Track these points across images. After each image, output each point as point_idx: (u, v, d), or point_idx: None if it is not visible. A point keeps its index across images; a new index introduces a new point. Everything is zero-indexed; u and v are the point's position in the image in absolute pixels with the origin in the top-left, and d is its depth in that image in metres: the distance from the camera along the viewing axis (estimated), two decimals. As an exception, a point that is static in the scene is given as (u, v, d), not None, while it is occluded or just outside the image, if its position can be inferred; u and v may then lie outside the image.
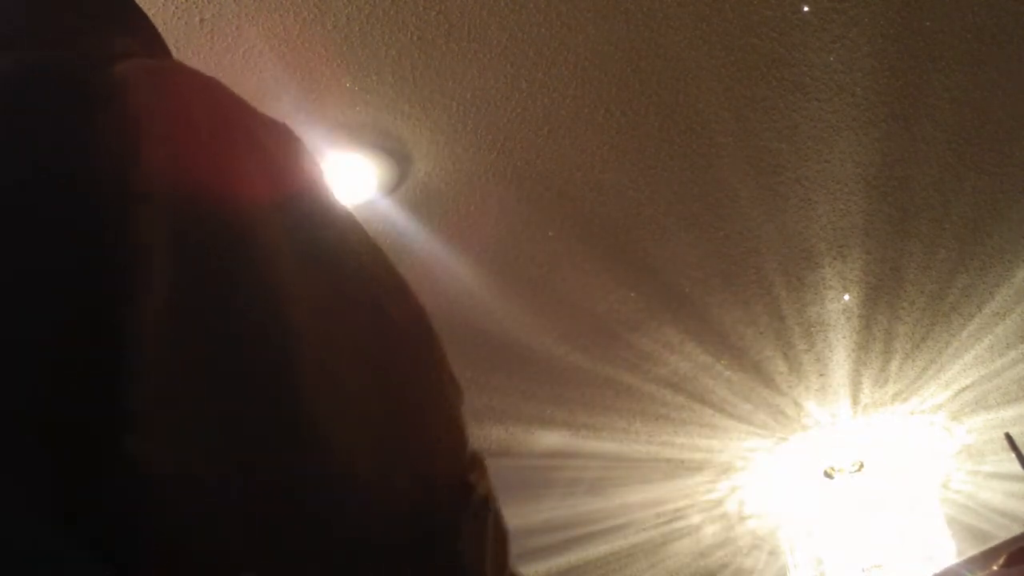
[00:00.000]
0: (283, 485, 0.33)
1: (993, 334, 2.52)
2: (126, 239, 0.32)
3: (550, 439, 2.62)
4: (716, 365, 2.44)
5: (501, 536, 0.42)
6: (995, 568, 2.49)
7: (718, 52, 1.53)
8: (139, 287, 0.32)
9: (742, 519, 3.30)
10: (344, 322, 0.38)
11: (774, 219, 1.96)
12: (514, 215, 1.81)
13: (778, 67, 1.59)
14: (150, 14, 0.54)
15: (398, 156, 1.62)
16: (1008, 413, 2.92)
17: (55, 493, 0.29)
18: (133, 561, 0.29)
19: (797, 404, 2.73)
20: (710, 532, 3.32)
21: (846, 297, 2.26)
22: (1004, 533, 3.51)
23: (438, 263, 1.88)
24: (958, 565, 2.89)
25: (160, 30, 0.54)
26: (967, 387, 2.76)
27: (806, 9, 1.48)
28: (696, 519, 3.23)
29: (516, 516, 2.69)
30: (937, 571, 2.81)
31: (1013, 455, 2.74)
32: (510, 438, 2.55)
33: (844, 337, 2.42)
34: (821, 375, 2.59)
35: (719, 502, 3.18)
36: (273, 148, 0.41)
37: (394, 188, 1.69)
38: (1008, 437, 2.82)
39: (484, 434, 2.47)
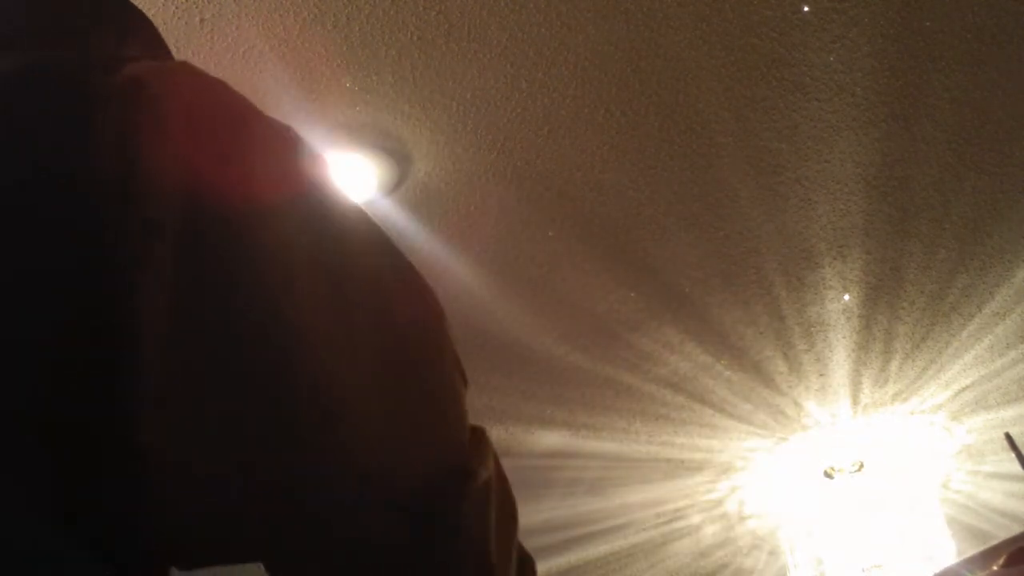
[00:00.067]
0: (283, 485, 0.33)
1: (993, 334, 2.52)
2: (126, 239, 0.32)
3: (550, 439, 2.62)
4: (716, 365, 2.44)
5: (508, 512, 0.42)
6: (995, 568, 2.49)
7: (718, 52, 1.53)
8: (139, 287, 0.32)
9: (742, 519, 3.30)
10: (346, 323, 0.38)
11: (774, 219, 1.96)
12: (514, 215, 1.81)
13: (778, 67, 1.59)
14: (150, 14, 0.54)
15: (398, 156, 1.62)
16: (1008, 413, 2.92)
17: (55, 493, 0.29)
18: (133, 561, 0.29)
19: (797, 404, 2.73)
20: (710, 532, 3.32)
21: (846, 297, 2.26)
22: (1004, 533, 3.51)
23: (438, 263, 1.88)
24: (958, 565, 2.89)
25: (160, 30, 0.54)
26: (967, 387, 2.76)
27: (806, 9, 1.48)
28: (696, 519, 3.23)
29: (516, 516, 2.67)
30: (937, 571, 2.81)
31: (1013, 455, 2.73)
32: (510, 438, 2.56)
33: (844, 337, 2.42)
34: (821, 375, 2.59)
35: (719, 502, 3.18)
36: (278, 149, 0.41)
37: (394, 188, 1.69)
38: (1008, 437, 2.82)
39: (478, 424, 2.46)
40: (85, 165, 0.34)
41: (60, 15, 0.46)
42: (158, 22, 0.61)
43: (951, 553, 2.95)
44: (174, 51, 0.58)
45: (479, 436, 0.43)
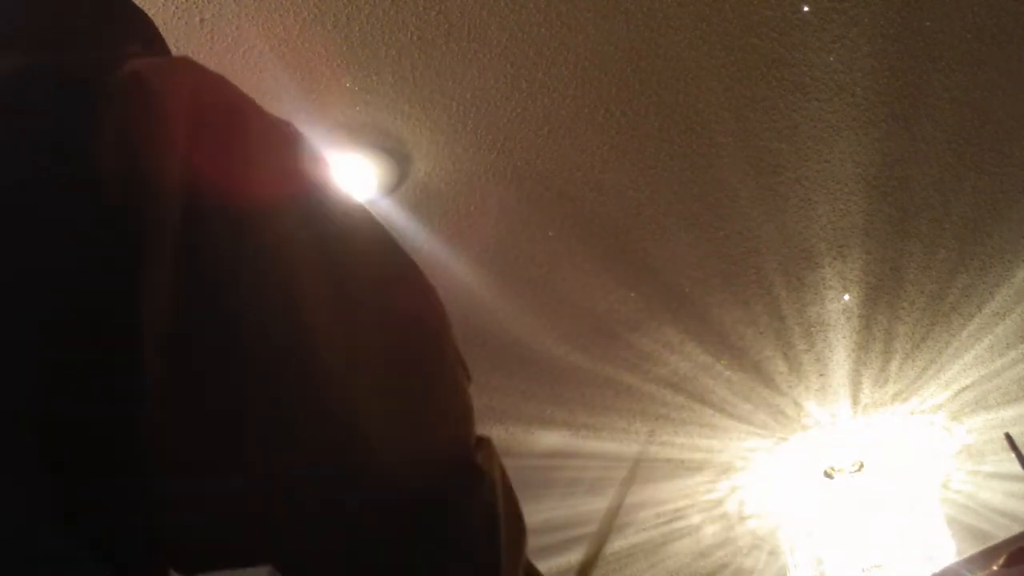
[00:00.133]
0: (283, 485, 0.33)
1: (993, 334, 2.52)
2: (126, 239, 0.32)
3: (550, 439, 2.62)
4: (716, 365, 2.44)
5: (516, 528, 0.42)
6: (995, 568, 2.49)
7: (718, 52, 1.53)
8: (139, 287, 0.32)
9: (742, 519, 3.30)
10: (347, 322, 0.38)
11: (774, 219, 1.96)
12: (514, 215, 1.81)
13: (778, 67, 1.59)
14: (150, 14, 0.54)
15: (398, 156, 1.62)
16: (1008, 413, 2.92)
17: (55, 493, 0.29)
18: (133, 561, 0.29)
19: (797, 404, 2.73)
20: (710, 532, 3.32)
21: (846, 297, 2.26)
22: (1004, 533, 3.51)
23: (438, 263, 1.88)
24: (958, 564, 2.89)
25: (160, 30, 0.54)
26: (967, 387, 2.76)
27: (806, 9, 1.48)
28: (696, 519, 3.23)
29: (516, 516, 2.67)
30: (937, 571, 2.81)
31: (1013, 455, 2.74)
32: (510, 438, 2.56)
33: (844, 337, 2.42)
34: (821, 375, 2.59)
35: (719, 502, 3.18)
36: (279, 147, 0.41)
37: (394, 188, 1.69)
38: (1008, 437, 2.82)
39: (484, 434, 2.46)
40: (85, 165, 0.34)
41: (60, 15, 0.46)
42: (158, 22, 0.61)
43: (951, 553, 2.95)
44: (174, 51, 0.58)
45: (486, 447, 0.43)
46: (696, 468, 2.96)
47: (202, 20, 1.31)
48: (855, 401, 2.77)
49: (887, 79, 1.65)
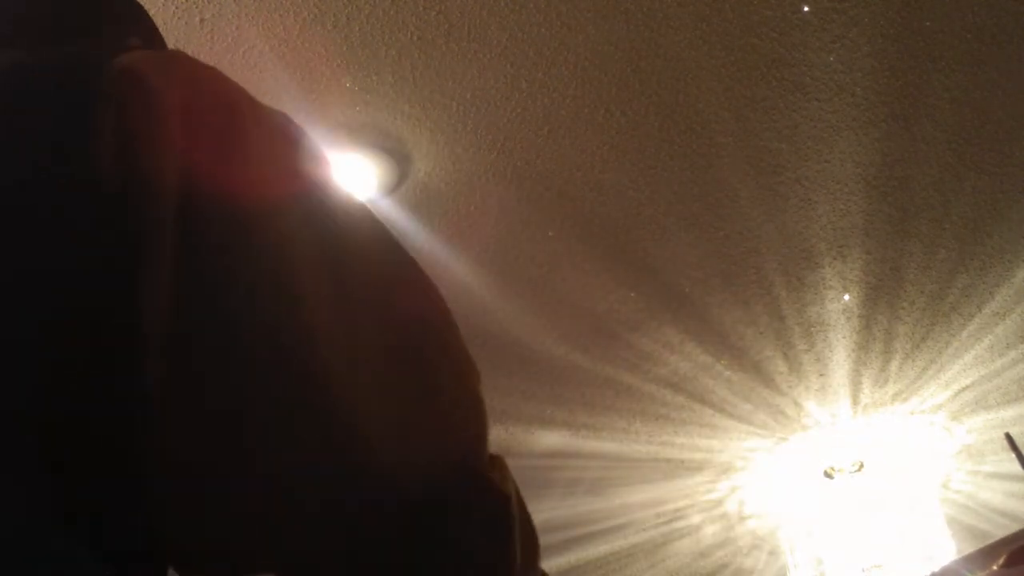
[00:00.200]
0: (283, 485, 0.33)
1: (993, 334, 2.52)
2: (126, 239, 0.32)
3: (550, 439, 2.62)
4: (716, 365, 2.44)
5: (531, 547, 0.42)
6: (995, 568, 2.49)
7: (718, 52, 1.53)
8: (139, 287, 0.31)
9: (742, 519, 3.30)
10: (348, 321, 0.38)
11: (774, 219, 1.96)
12: (514, 215, 1.81)
13: (778, 67, 1.58)
14: (150, 14, 0.54)
15: (398, 156, 1.62)
16: (1008, 413, 2.92)
17: (55, 493, 0.29)
18: (133, 561, 0.29)
19: (797, 404, 2.73)
20: (710, 532, 3.32)
21: (846, 297, 2.26)
22: (1004, 533, 3.51)
23: (438, 263, 1.88)
24: (958, 564, 2.88)
25: (160, 30, 0.54)
26: (967, 387, 2.76)
27: (806, 9, 1.48)
28: (696, 519, 3.23)
29: (516, 516, 2.67)
30: (937, 571, 2.81)
31: (1013, 455, 2.73)
32: (510, 438, 2.55)
33: (844, 337, 2.42)
34: (821, 375, 2.59)
35: (719, 502, 3.17)
36: (278, 144, 0.41)
37: (394, 188, 1.69)
38: (1008, 437, 2.82)
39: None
40: (85, 165, 0.34)
41: (60, 14, 0.46)
42: (158, 22, 0.61)
43: (951, 553, 2.95)
44: (174, 51, 0.58)
45: (500, 466, 0.43)
46: (696, 468, 2.96)
47: (202, 20, 1.31)
48: (855, 401, 2.77)
49: (887, 79, 1.65)
